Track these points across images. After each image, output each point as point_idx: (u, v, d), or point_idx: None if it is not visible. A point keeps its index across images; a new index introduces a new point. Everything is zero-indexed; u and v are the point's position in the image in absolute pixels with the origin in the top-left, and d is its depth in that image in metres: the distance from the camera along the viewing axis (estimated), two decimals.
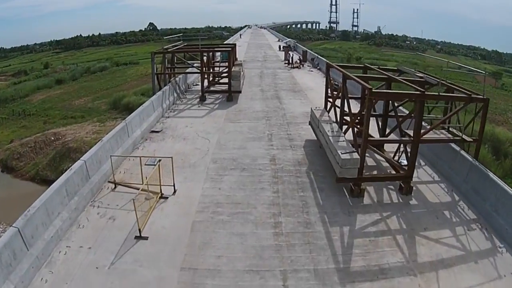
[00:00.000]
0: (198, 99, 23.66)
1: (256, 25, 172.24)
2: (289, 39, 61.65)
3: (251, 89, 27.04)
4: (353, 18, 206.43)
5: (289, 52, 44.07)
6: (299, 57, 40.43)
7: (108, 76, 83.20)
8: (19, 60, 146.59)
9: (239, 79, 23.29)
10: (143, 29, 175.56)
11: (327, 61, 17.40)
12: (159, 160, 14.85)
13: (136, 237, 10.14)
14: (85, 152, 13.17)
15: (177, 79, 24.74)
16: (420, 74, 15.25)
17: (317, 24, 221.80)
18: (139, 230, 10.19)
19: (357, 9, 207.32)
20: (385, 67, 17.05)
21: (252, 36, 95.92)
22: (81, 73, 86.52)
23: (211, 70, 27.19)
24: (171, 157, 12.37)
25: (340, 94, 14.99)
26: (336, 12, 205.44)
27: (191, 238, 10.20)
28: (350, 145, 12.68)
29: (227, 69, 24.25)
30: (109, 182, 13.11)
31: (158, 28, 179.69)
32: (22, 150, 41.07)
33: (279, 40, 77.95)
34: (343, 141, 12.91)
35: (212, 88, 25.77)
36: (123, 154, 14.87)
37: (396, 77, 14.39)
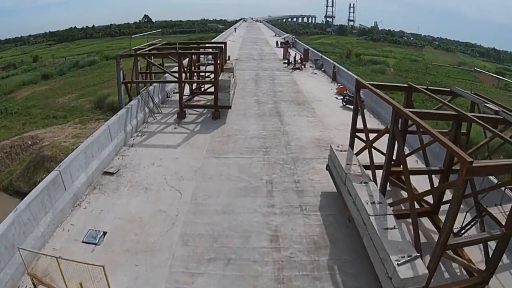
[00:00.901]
0: (176, 116, 17.97)
1: (252, 18, 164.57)
2: (288, 34, 55.36)
3: (244, 99, 21.34)
4: (349, 12, 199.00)
5: (289, 49, 38.23)
6: (300, 56, 34.59)
7: (97, 70, 76.87)
8: (12, 52, 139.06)
9: (229, 90, 17.54)
10: (138, 21, 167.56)
11: (358, 77, 11.70)
12: (103, 235, 9.41)
13: None
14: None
15: (150, 88, 18.97)
16: (492, 106, 9.68)
17: (313, 18, 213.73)
18: None
19: (353, 4, 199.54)
20: (434, 88, 11.45)
21: (247, 30, 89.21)
22: (69, 68, 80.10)
23: (194, 77, 21.37)
24: (103, 266, 6.76)
25: (386, 137, 9.32)
26: (332, 6, 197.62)
27: None
28: (406, 238, 7.19)
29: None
30: (29, 275, 7.76)
31: (153, 20, 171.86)
32: None
33: (276, 35, 71.78)
34: (394, 227, 7.38)
35: (194, 100, 19.99)
36: (56, 219, 9.51)
37: (467, 114, 8.77)
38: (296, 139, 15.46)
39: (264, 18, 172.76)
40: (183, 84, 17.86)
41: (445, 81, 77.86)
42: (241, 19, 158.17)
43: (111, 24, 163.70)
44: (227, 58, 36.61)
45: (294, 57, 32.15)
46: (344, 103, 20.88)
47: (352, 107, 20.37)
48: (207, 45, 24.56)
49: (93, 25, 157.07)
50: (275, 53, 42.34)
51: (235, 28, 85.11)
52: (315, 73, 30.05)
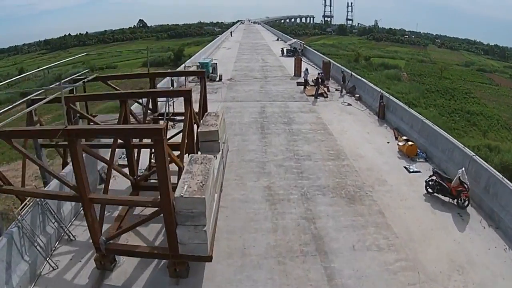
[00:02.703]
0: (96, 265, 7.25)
1: (249, 20, 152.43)
2: (295, 40, 43.48)
3: (244, 186, 10.54)
4: (347, 11, 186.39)
5: (302, 61, 27.19)
6: (320, 74, 23.41)
7: None
8: (4, 63, 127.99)
9: (203, 220, 6.53)
10: (133, 27, 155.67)
11: None
12: None
13: None
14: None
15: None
16: None
17: (312, 18, 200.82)
18: None
19: (351, 3, 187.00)
20: None
21: (245, 34, 77.81)
22: (51, 82, 69.05)
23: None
24: None
25: None
26: (330, 6, 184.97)
27: None
28: None
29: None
30: None
31: (149, 25, 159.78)
32: None
33: (278, 39, 60.51)
34: None
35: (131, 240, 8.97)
36: None
37: None
38: None
39: (262, 19, 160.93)
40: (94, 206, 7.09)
41: (463, 86, 67.15)
42: (238, 21, 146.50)
43: (105, 30, 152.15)
44: (218, 78, 25.72)
45: (317, 79, 21.07)
46: (430, 189, 10.26)
47: (455, 202, 9.86)
48: (158, 88, 13.60)
49: (87, 32, 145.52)
50: (282, 66, 31.37)
51: (231, 32, 73.40)
52: (348, 104, 19.17)
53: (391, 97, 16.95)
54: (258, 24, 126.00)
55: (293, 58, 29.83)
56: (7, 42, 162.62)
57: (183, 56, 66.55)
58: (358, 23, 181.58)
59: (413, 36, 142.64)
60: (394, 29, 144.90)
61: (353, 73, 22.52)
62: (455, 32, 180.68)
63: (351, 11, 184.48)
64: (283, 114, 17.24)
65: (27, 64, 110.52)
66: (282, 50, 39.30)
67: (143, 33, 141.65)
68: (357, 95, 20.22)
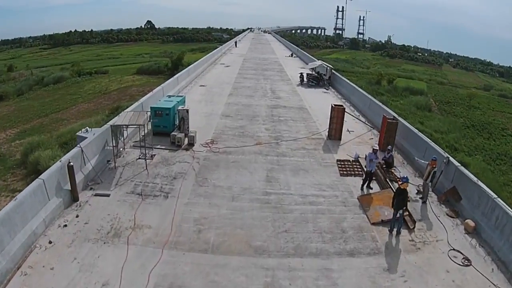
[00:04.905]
0: None
1: (259, 29, 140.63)
2: (319, 62, 29.69)
3: None
4: (359, 25, 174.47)
5: (345, 112, 15.45)
6: (389, 155, 11.67)
7: (60, 91, 54.85)
8: (3, 56, 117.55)
9: None
10: (140, 27, 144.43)
11: None
12: None
13: None
14: None
15: None
16: None
17: (323, 30, 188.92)
18: None
19: (363, 17, 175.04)
20: None
21: (253, 45, 65.89)
22: (31, 86, 57.85)
23: None
24: None
25: None
26: (342, 19, 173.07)
27: None
28: None
29: None
30: None
31: (157, 27, 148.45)
32: None
33: (292, 55, 48.85)
34: None
35: None
36: None
37: None
38: None
39: (273, 28, 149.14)
40: None
41: (496, 118, 55.54)
42: (248, 29, 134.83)
43: (111, 29, 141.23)
44: (187, 140, 13.29)
45: (405, 203, 8.48)
46: None
47: None
48: None
49: (91, 30, 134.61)
50: (304, 109, 19.79)
51: (236, 42, 60.80)
52: (465, 261, 7.67)
53: None
54: (269, 33, 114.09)
55: (323, 96, 18.35)
56: (13, 33, 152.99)
57: (181, 65, 55.34)
58: (369, 38, 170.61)
59: (426, 54, 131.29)
60: (408, 46, 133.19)
61: (450, 157, 11.00)
62: (465, 51, 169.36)
63: (363, 25, 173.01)
64: None
65: (23, 59, 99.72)
66: (301, 76, 27.72)
67: (149, 35, 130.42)
68: (472, 225, 8.75)
